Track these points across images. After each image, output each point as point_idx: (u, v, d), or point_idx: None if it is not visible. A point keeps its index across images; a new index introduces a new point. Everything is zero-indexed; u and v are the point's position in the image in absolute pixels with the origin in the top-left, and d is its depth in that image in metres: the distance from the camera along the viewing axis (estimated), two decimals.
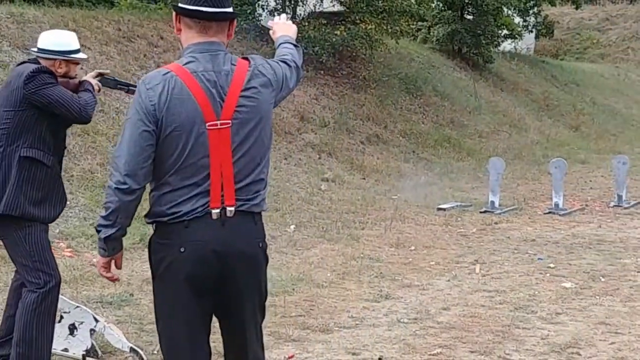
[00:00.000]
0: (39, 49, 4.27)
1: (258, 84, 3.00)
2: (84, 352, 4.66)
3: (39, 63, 4.21)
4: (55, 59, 4.25)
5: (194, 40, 3.00)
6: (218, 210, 2.92)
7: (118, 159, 2.92)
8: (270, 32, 3.53)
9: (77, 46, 4.34)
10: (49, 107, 4.10)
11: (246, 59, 3.05)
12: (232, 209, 2.93)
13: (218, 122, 2.91)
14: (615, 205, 11.35)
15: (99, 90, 4.49)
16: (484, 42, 21.16)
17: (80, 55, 4.38)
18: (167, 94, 2.88)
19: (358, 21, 15.50)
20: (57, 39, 4.29)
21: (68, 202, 4.50)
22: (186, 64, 2.95)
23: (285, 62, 3.23)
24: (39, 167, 4.15)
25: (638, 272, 7.37)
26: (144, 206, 3.04)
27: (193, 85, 2.90)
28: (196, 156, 2.90)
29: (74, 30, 11.34)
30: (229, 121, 2.92)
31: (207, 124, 2.90)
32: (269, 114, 3.04)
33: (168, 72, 2.93)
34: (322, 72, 15.47)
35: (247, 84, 2.97)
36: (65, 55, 4.26)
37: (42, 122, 4.14)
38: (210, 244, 2.91)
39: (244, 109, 2.95)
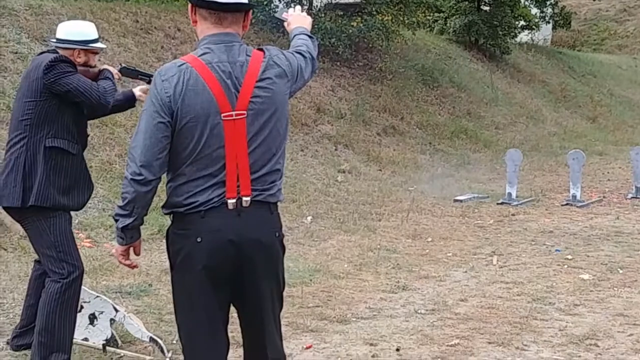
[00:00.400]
0: (57, 39, 4.30)
1: (273, 75, 3.01)
2: (104, 342, 4.70)
3: (57, 53, 4.24)
4: (74, 49, 4.27)
5: (209, 31, 3.01)
6: (234, 201, 2.94)
7: (134, 150, 2.95)
8: (285, 23, 3.53)
9: (95, 35, 4.37)
10: (69, 96, 4.13)
11: (261, 50, 3.07)
12: (248, 199, 2.95)
13: (233, 113, 2.92)
14: (633, 197, 11.29)
15: (119, 80, 4.52)
16: (500, 33, 21.07)
17: (99, 44, 4.40)
18: (183, 86, 2.90)
19: (374, 12, 15.46)
20: (76, 28, 4.32)
21: (73, 189, 4.52)
22: (201, 55, 2.97)
23: (300, 53, 3.24)
24: (65, 155, 4.19)
25: None
26: (162, 197, 3.06)
27: (208, 76, 2.91)
28: (212, 147, 2.92)
29: (92, 22, 11.42)
30: (244, 112, 2.94)
31: (222, 115, 2.91)
32: (284, 104, 3.05)
33: (183, 64, 2.95)
34: (338, 63, 15.45)
35: (262, 74, 2.98)
36: (83, 45, 4.29)
37: (65, 111, 4.18)
38: (226, 233, 2.93)
39: (259, 99, 2.96)
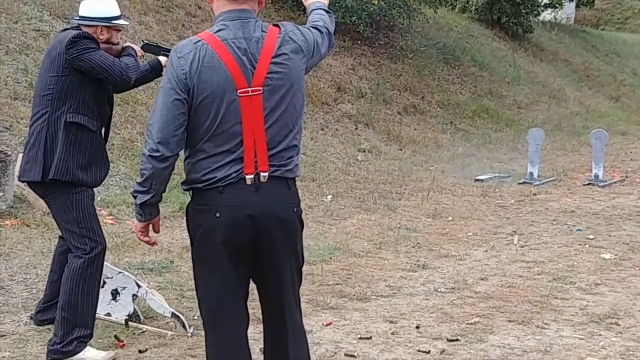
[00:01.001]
0: (80, 16, 4.32)
1: (289, 51, 3.02)
2: (127, 317, 4.76)
3: (81, 30, 4.26)
4: (97, 26, 4.29)
5: (225, 8, 3.03)
6: (252, 176, 2.96)
7: (152, 127, 2.98)
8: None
9: (118, 13, 4.38)
10: (92, 72, 4.15)
11: (277, 26, 3.07)
12: (266, 174, 2.97)
13: (250, 89, 2.94)
14: None
15: (142, 57, 4.53)
16: (523, 11, 20.88)
17: (122, 21, 4.41)
18: (199, 63, 2.92)
19: None
20: (98, 6, 4.33)
21: (110, 171, 4.57)
22: (217, 32, 2.99)
23: (316, 29, 3.24)
24: (85, 132, 4.22)
25: None
26: (183, 175, 3.08)
27: (224, 53, 2.93)
28: (229, 123, 2.94)
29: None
30: (261, 88, 2.95)
31: (239, 92, 2.93)
32: (300, 80, 3.06)
33: (199, 41, 2.97)
34: (359, 42, 15.39)
35: (277, 50, 2.99)
36: (107, 22, 4.30)
37: (86, 88, 4.20)
38: (245, 209, 2.95)
39: (275, 75, 2.97)
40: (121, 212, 7.40)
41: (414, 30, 16.84)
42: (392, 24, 16.30)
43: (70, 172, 4.16)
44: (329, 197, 9.09)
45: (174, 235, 6.90)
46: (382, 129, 13.00)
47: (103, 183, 4.57)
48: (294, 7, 14.74)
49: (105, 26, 4.31)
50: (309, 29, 3.20)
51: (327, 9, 3.41)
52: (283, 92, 3.00)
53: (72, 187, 4.19)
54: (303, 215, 3.18)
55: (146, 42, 4.80)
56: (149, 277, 5.75)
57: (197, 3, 13.18)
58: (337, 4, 14.20)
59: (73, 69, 4.15)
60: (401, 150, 12.46)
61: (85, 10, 4.32)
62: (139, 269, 5.91)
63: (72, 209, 4.20)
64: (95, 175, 4.30)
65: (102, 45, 4.25)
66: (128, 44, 4.51)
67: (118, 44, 4.41)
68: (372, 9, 14.95)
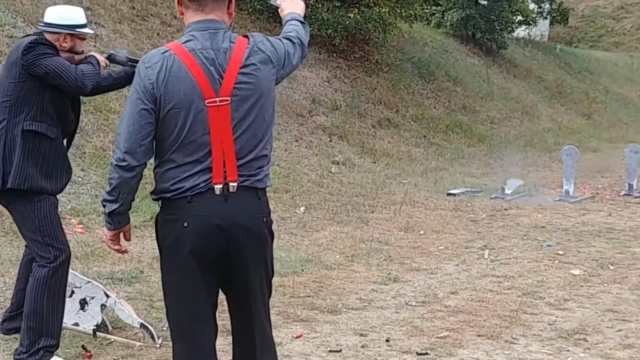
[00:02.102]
0: (44, 23, 4.28)
1: (257, 61, 3.02)
2: (95, 327, 4.71)
3: (41, 36, 4.23)
4: (60, 33, 4.25)
5: (193, 18, 3.04)
6: (221, 186, 2.95)
7: (119, 137, 2.98)
8: (279, 10, 3.53)
9: (83, 21, 4.33)
10: (47, 78, 4.09)
11: (246, 36, 3.08)
12: (235, 184, 2.97)
13: (217, 99, 2.94)
14: (625, 194, 11.33)
15: (107, 67, 4.47)
16: (497, 27, 21.09)
17: (86, 30, 4.36)
18: (165, 73, 2.92)
19: (372, 4, 15.43)
20: (63, 13, 4.29)
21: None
22: (185, 42, 2.99)
23: (288, 39, 3.24)
24: (43, 139, 4.16)
25: None
26: (154, 184, 3.07)
27: (191, 63, 2.93)
28: (196, 133, 2.94)
29: (88, 8, 11.38)
30: (228, 98, 2.95)
31: (206, 101, 2.93)
32: (269, 90, 3.06)
33: (167, 51, 2.97)
34: (334, 54, 15.44)
35: (245, 61, 2.99)
36: (70, 29, 4.26)
37: (44, 94, 4.14)
38: (213, 218, 2.94)
39: (243, 85, 2.97)
40: (91, 220, 7.34)
41: (389, 44, 16.93)
42: (367, 37, 16.38)
43: (29, 179, 4.10)
44: (302, 209, 9.08)
45: (145, 244, 6.85)
46: (356, 142, 13.04)
47: (73, 192, 4.53)
48: (269, 19, 14.76)
49: (68, 34, 4.26)
50: (279, 40, 3.20)
51: (301, 19, 3.41)
52: (251, 102, 3.00)
53: (32, 195, 4.14)
54: (275, 226, 3.17)
55: (112, 52, 4.75)
56: (118, 287, 5.70)
57: (172, 12, 13.14)
58: (312, 17, 14.24)
59: (29, 74, 4.11)
60: (374, 163, 12.50)
61: (49, 16, 4.28)
62: (108, 278, 5.86)
63: (34, 217, 4.15)
64: (55, 183, 4.24)
65: (63, 54, 4.20)
66: (92, 53, 4.46)
67: (82, 52, 4.37)
68: (347, 22, 15.01)
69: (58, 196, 4.33)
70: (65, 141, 4.38)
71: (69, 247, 4.28)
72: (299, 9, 3.47)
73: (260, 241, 3.05)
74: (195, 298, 3.02)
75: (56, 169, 4.24)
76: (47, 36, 4.23)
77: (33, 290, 4.13)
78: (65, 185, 4.37)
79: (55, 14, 4.27)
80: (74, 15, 4.31)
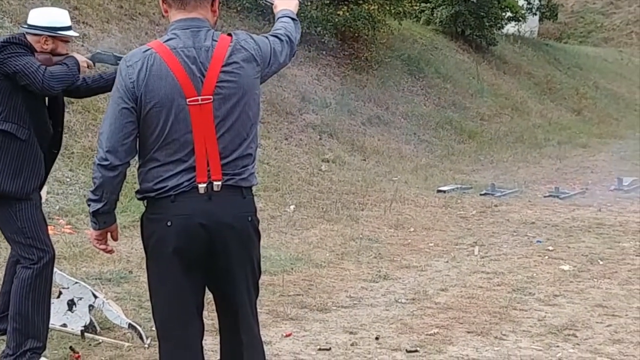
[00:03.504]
0: (27, 24, 4.25)
1: (240, 59, 3.00)
2: (83, 328, 4.69)
3: (22, 37, 4.19)
4: (41, 35, 4.21)
5: (175, 17, 3.03)
6: (205, 185, 2.94)
7: (101, 136, 2.98)
8: (273, 7, 3.52)
9: (66, 23, 4.27)
10: (17, 77, 4.04)
11: (229, 34, 3.06)
12: (219, 183, 2.96)
13: (199, 97, 2.93)
14: (615, 189, 11.35)
15: (90, 68, 4.42)
16: (487, 24, 21.08)
17: (70, 32, 4.30)
18: (146, 71, 2.91)
19: (361, 2, 15.42)
20: (46, 15, 4.24)
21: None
22: (167, 40, 2.99)
23: (275, 36, 3.23)
24: (13, 139, 4.09)
25: (637, 255, 7.38)
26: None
27: (172, 61, 2.92)
28: (178, 132, 2.93)
29: (75, 8, 11.34)
30: (211, 97, 2.94)
31: (188, 100, 2.92)
32: (253, 88, 3.04)
33: (148, 49, 2.97)
34: (324, 52, 15.41)
35: (228, 59, 2.98)
36: (51, 32, 4.21)
37: (17, 95, 4.08)
38: (196, 217, 2.93)
39: (225, 84, 2.96)
40: (79, 221, 7.30)
41: (379, 42, 16.91)
42: (356, 34, 16.35)
43: None
44: (292, 207, 9.07)
45: (133, 244, 6.82)
46: (346, 139, 13.02)
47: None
48: (258, 17, 14.72)
49: (50, 36, 4.22)
50: (265, 37, 3.18)
51: (293, 16, 3.39)
52: (234, 101, 2.98)
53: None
54: (264, 225, 3.17)
55: (99, 51, 4.70)
56: (107, 287, 5.68)
57: (160, 11, 13.05)
58: (302, 14, 14.19)
59: (2, 74, 4.06)
60: (364, 160, 12.49)
61: (31, 18, 4.23)
62: (96, 278, 5.84)
63: (15, 219, 4.11)
64: (21, 186, 4.12)
65: (40, 55, 4.15)
66: (72, 54, 4.38)
67: (66, 54, 4.33)
68: (336, 20, 14.99)
69: (46, 196, 4.29)
70: (45, 144, 4.29)
71: (52, 247, 4.25)
72: (292, 5, 3.45)
73: (246, 240, 3.04)
74: (180, 297, 3.02)
75: (25, 171, 4.14)
76: (29, 38, 4.19)
77: (18, 291, 4.11)
78: (35, 188, 4.23)
79: (38, 16, 4.23)
80: (57, 17, 4.26)
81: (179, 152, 2.94)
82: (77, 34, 4.52)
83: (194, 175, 2.94)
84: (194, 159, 2.94)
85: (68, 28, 4.31)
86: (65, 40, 4.32)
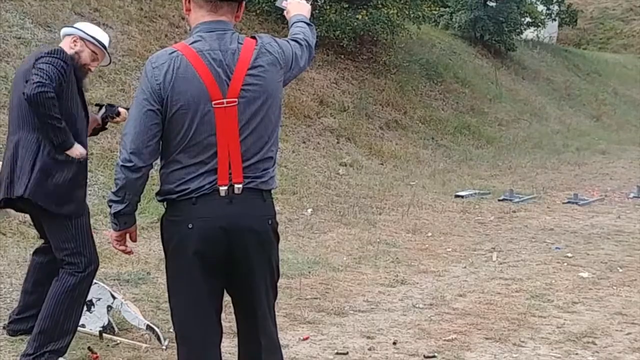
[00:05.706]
0: (75, 27, 4.34)
1: (265, 62, 3.00)
2: (101, 328, 4.70)
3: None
4: (72, 35, 4.27)
5: (202, 19, 3.01)
6: (226, 188, 2.94)
7: (125, 137, 2.96)
8: (285, 12, 3.52)
9: (101, 38, 4.34)
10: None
11: (254, 37, 3.06)
12: (240, 186, 2.95)
13: (224, 100, 2.92)
14: (634, 197, 11.26)
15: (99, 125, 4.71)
16: (506, 29, 21.03)
17: (101, 44, 4.33)
18: (173, 73, 2.90)
19: (380, 6, 15.40)
20: (87, 25, 4.37)
21: (87, 180, 4.53)
22: (192, 43, 2.97)
23: (295, 41, 3.23)
24: (72, 161, 4.22)
25: None
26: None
27: (198, 64, 2.91)
28: (203, 134, 2.92)
29: (96, 9, 11.41)
30: (236, 99, 2.93)
31: (213, 103, 2.91)
32: (276, 92, 3.04)
33: (174, 52, 2.95)
34: (342, 56, 15.41)
35: (253, 62, 2.97)
36: (83, 34, 4.28)
37: (76, 117, 4.20)
38: (217, 220, 2.93)
39: (250, 87, 2.95)
40: (98, 221, 7.31)
41: (397, 46, 16.90)
42: (375, 38, 16.35)
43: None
44: (309, 211, 9.06)
45: (151, 246, 6.84)
46: (364, 143, 13.01)
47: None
48: (277, 20, 14.74)
49: (80, 37, 4.27)
50: (287, 41, 3.18)
51: (308, 21, 3.40)
52: (258, 104, 2.98)
53: None
54: (282, 228, 3.16)
55: (103, 114, 4.82)
56: (125, 288, 5.70)
57: (180, 14, 13.14)
58: (320, 18, 14.23)
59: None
60: (382, 164, 12.47)
61: (76, 24, 4.39)
62: (115, 279, 5.85)
63: (70, 226, 4.16)
64: (83, 202, 4.31)
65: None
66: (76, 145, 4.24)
67: (89, 70, 4.36)
68: (355, 24, 14.98)
69: None
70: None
71: (98, 258, 4.29)
72: (305, 10, 3.45)
73: (265, 243, 3.03)
74: (198, 300, 3.01)
75: (84, 188, 4.40)
76: (62, 43, 4.27)
77: (55, 295, 4.12)
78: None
79: (80, 24, 4.36)
80: (95, 29, 4.36)
81: (202, 155, 2.94)
82: (108, 61, 4.53)
83: (215, 177, 2.94)
84: (216, 162, 2.93)
85: (102, 44, 4.33)
86: (93, 51, 4.32)
